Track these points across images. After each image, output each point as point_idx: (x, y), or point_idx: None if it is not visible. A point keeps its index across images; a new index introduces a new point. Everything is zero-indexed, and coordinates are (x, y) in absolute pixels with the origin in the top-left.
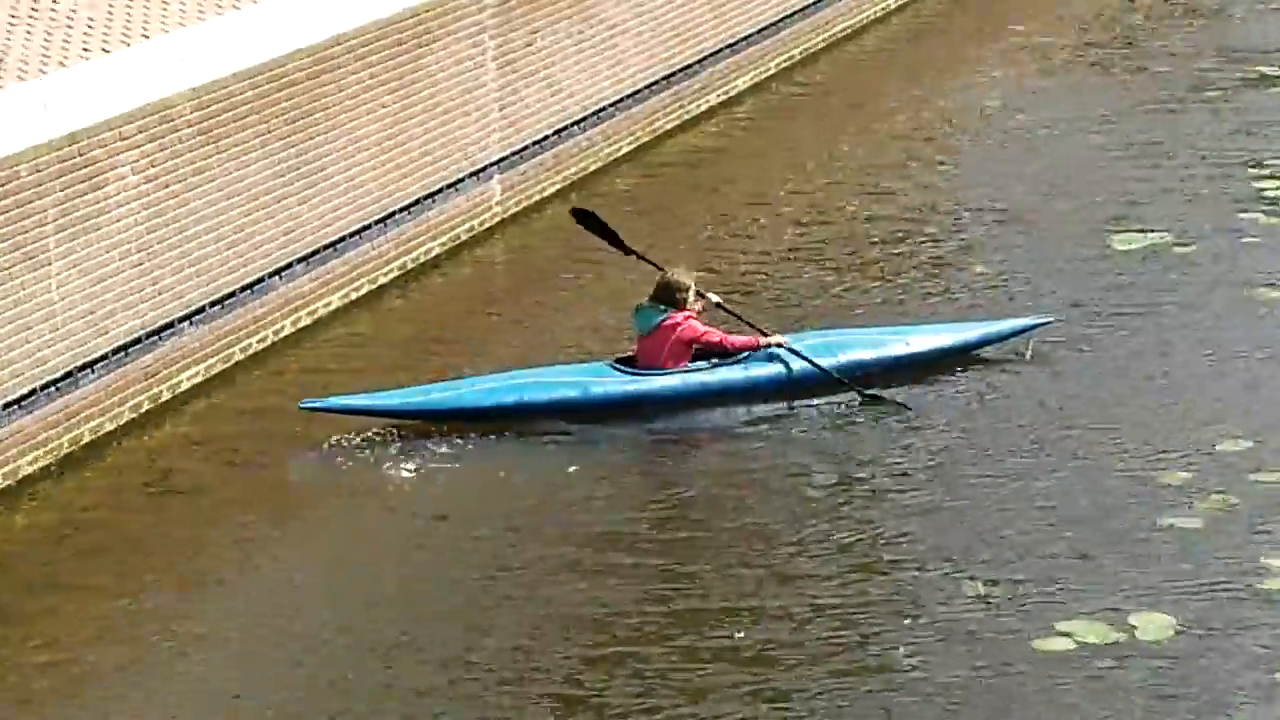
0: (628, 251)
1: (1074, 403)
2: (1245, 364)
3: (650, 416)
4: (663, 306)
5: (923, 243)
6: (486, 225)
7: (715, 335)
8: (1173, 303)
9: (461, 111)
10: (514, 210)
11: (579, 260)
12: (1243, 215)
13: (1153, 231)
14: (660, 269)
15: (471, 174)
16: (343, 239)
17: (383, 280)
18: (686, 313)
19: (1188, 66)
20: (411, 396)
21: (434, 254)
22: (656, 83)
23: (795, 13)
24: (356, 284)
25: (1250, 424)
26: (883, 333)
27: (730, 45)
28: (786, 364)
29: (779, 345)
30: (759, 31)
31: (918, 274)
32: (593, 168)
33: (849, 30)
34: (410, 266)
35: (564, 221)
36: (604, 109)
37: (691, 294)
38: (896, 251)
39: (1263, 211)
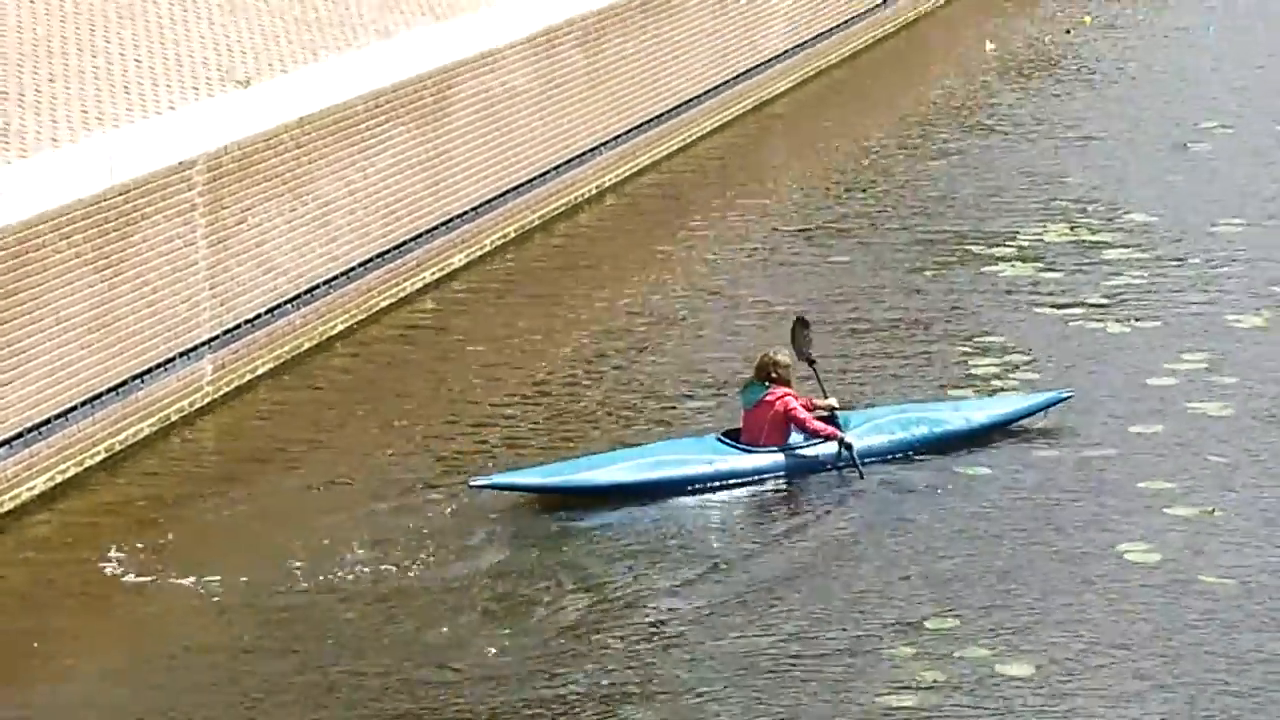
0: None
1: (784, 573)
2: (947, 545)
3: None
4: (766, 383)
5: (650, 419)
6: (198, 405)
7: (802, 415)
8: (876, 486)
9: (171, 290)
10: (226, 390)
11: (292, 439)
12: (953, 392)
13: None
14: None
15: (182, 353)
16: (48, 421)
17: (90, 463)
18: (785, 390)
19: (900, 246)
20: (572, 475)
21: (143, 435)
22: (371, 260)
23: (510, 190)
24: (62, 467)
25: (956, 602)
26: (941, 408)
27: (445, 222)
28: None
29: (848, 446)
30: (474, 209)
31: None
32: (307, 345)
33: (564, 208)
34: (119, 449)
35: (278, 399)
36: (317, 286)
37: (790, 371)
38: (617, 429)
39: (974, 391)
